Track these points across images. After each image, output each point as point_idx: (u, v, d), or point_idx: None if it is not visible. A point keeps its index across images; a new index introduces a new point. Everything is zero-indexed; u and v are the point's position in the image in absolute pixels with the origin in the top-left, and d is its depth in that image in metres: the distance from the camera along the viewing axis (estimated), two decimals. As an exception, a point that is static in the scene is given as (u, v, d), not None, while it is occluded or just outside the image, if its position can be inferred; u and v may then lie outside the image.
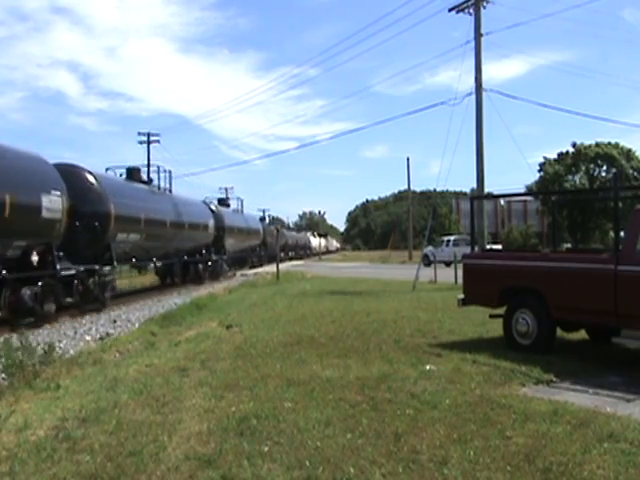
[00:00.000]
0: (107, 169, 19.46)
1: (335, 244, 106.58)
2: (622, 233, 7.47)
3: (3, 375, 7.17)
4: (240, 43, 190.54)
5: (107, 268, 16.16)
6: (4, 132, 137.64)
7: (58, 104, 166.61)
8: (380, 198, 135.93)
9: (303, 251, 67.22)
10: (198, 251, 25.58)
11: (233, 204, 38.26)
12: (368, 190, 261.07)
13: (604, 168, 41.97)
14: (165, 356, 8.06)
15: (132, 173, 20.71)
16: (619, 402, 5.53)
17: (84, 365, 7.94)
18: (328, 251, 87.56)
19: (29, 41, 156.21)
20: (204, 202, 28.58)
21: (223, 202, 34.46)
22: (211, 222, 26.65)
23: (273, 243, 43.55)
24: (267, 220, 54.21)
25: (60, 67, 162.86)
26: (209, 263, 26.67)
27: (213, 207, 28.66)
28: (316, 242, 77.52)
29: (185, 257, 24.21)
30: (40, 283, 12.66)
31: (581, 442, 4.31)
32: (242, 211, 38.72)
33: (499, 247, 27.65)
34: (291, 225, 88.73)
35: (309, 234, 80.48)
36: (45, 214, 12.93)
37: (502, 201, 34.07)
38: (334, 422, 4.85)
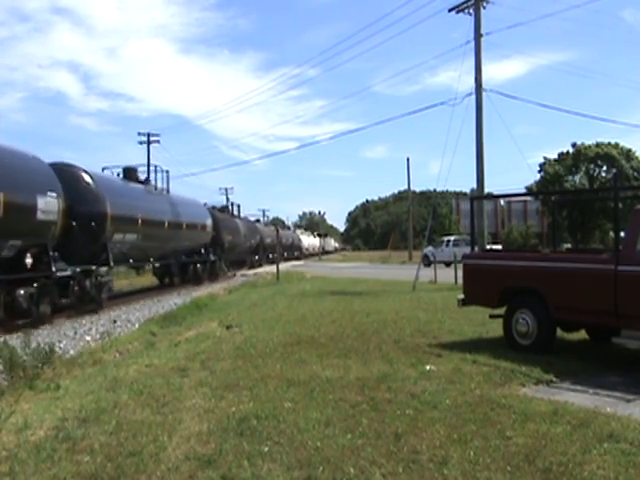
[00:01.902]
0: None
1: (333, 244, 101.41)
2: (622, 233, 7.47)
3: (3, 375, 7.17)
4: (240, 43, 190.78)
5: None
6: (5, 133, 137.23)
7: (58, 104, 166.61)
8: (380, 198, 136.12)
9: (290, 252, 56.05)
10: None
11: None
12: (368, 190, 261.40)
13: (604, 168, 41.99)
14: (165, 356, 8.06)
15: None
16: (619, 402, 5.53)
17: (84, 365, 7.95)
18: (325, 251, 79.23)
19: (30, 41, 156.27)
20: (52, 165, 14.51)
21: (131, 174, 20.27)
22: (51, 204, 13.33)
23: (236, 242, 31.91)
24: (233, 209, 36.80)
25: (60, 68, 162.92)
26: None
27: (87, 178, 15.63)
28: (309, 241, 70.21)
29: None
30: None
31: (581, 442, 4.31)
32: (167, 190, 22.62)
33: (499, 247, 27.65)
34: (291, 225, 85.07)
35: (299, 232, 71.23)
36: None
37: (502, 201, 34.11)
38: (334, 422, 4.85)
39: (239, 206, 38.47)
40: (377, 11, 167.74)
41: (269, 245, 44.12)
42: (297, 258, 58.15)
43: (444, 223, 58.14)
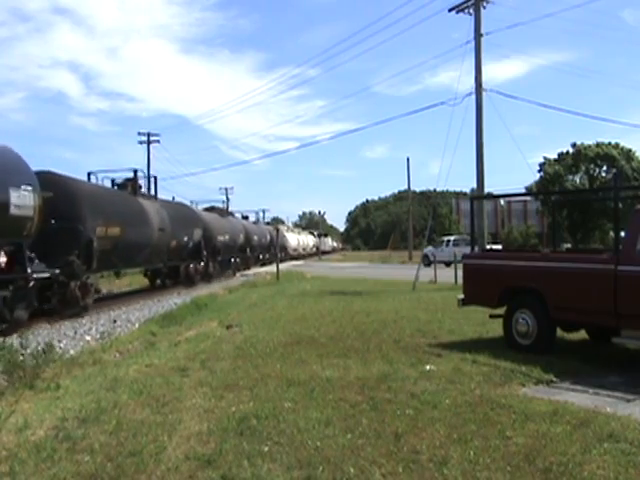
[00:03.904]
0: None
1: (330, 243, 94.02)
2: (622, 233, 7.48)
3: (3, 375, 7.16)
4: (241, 43, 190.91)
5: None
6: (5, 132, 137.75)
7: (59, 104, 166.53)
8: (380, 198, 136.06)
9: (266, 253, 41.09)
10: None
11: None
12: (368, 190, 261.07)
13: (604, 168, 41.96)
14: (165, 356, 8.06)
15: None
16: (619, 402, 5.53)
17: (84, 365, 7.94)
18: (319, 252, 66.57)
19: (30, 41, 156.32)
20: None
21: None
22: None
23: (134, 240, 17.16)
24: (137, 182, 19.39)
25: (61, 67, 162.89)
26: None
27: None
28: (299, 240, 60.99)
29: None
30: None
31: (581, 442, 4.31)
32: None
33: (499, 247, 27.65)
34: (291, 225, 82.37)
35: (284, 228, 58.59)
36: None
37: (502, 201, 34.16)
38: (334, 422, 4.85)
39: (156, 178, 23.55)
40: (377, 11, 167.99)
41: (225, 245, 28.25)
42: (281, 261, 44.78)
43: (444, 223, 58.17)
